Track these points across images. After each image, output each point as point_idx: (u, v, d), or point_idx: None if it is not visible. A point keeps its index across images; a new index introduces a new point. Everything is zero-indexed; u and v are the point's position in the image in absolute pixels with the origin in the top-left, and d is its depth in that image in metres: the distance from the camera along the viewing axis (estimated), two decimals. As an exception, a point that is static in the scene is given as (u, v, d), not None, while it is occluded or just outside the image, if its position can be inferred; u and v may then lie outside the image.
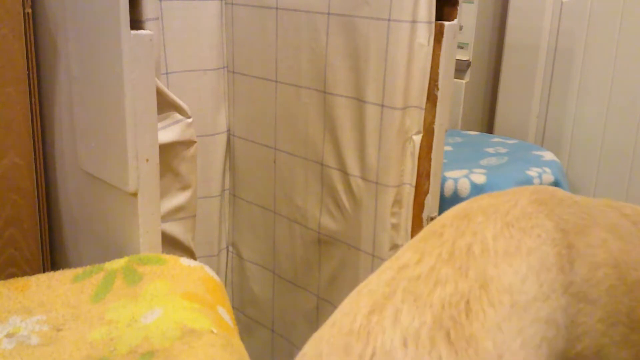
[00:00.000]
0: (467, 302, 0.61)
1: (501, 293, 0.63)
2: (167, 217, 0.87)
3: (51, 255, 1.01)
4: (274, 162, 1.32)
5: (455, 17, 1.06)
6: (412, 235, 1.14)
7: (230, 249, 1.48)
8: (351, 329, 0.59)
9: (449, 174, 1.47)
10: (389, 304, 0.60)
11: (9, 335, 0.66)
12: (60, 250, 1.00)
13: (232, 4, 1.30)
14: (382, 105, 1.09)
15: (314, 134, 1.22)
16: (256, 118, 1.33)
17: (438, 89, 1.07)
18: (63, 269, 0.78)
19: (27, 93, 0.91)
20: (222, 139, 1.38)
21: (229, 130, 1.39)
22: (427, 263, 0.65)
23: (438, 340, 0.57)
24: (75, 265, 0.78)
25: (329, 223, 1.23)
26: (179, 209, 0.89)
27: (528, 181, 1.49)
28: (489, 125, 2.06)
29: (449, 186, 1.45)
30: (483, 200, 0.77)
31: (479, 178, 1.45)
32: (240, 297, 1.50)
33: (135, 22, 0.76)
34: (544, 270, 0.68)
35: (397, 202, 1.12)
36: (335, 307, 1.27)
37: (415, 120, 1.09)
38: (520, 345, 0.60)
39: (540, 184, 1.50)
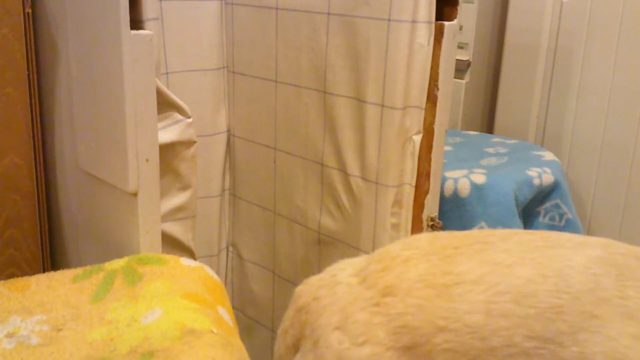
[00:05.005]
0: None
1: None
2: (167, 217, 0.87)
3: (51, 255, 1.01)
4: (274, 162, 1.32)
5: (455, 17, 1.06)
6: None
7: (230, 249, 1.48)
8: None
9: (449, 174, 1.47)
10: None
11: (9, 335, 0.66)
12: (60, 250, 1.00)
13: (232, 4, 1.30)
14: (382, 105, 1.09)
15: (314, 134, 1.22)
16: (256, 118, 1.33)
17: (438, 89, 1.07)
18: (63, 269, 0.78)
19: (27, 93, 0.91)
20: (222, 139, 1.38)
21: (229, 130, 1.39)
22: None
23: None
24: (75, 265, 0.78)
25: (329, 223, 1.23)
26: (179, 209, 0.89)
27: (528, 181, 1.49)
28: (489, 125, 2.06)
29: (449, 186, 1.45)
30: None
31: (479, 178, 1.45)
32: (240, 297, 1.50)
33: (135, 22, 0.76)
34: None
35: (397, 202, 1.12)
36: (335, 307, 1.27)
37: (415, 120, 1.09)
38: None
39: (540, 184, 1.50)
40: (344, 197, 1.19)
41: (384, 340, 0.78)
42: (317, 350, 0.83)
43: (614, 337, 0.68)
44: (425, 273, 0.79)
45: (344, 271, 0.88)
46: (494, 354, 0.72)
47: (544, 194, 1.54)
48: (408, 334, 0.77)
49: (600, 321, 0.69)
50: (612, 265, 0.73)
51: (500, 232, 0.85)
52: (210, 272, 0.78)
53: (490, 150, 1.69)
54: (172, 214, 0.89)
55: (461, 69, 1.91)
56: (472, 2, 1.88)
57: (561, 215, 1.55)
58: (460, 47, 1.87)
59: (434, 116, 1.08)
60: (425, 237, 0.89)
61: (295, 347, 0.89)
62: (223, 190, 1.42)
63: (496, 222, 1.39)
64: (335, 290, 0.86)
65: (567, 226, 1.55)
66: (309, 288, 0.91)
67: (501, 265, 0.76)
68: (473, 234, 0.86)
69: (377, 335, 0.78)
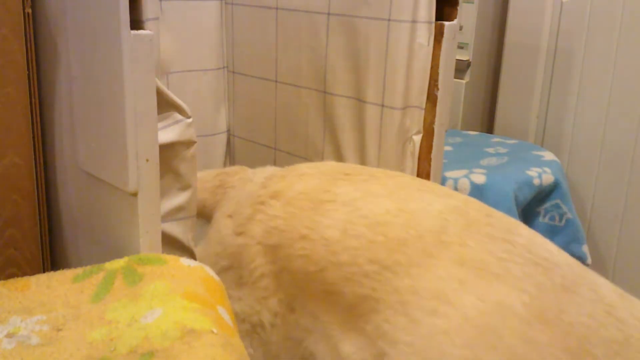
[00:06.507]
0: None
1: None
2: (167, 217, 0.87)
3: (51, 255, 1.00)
4: (274, 162, 1.32)
5: (455, 17, 1.06)
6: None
7: (230, 249, 1.47)
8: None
9: (449, 174, 1.47)
10: None
11: (9, 335, 0.66)
12: (60, 250, 1.00)
13: (232, 4, 1.30)
14: (382, 105, 1.09)
15: (314, 134, 1.22)
16: (256, 118, 1.33)
17: (438, 89, 1.07)
18: (63, 269, 0.78)
19: (27, 93, 0.91)
20: (222, 139, 1.38)
21: (229, 131, 1.39)
22: None
23: None
24: (75, 266, 0.78)
25: (329, 223, 1.23)
26: (179, 209, 0.89)
27: (528, 181, 1.49)
28: (489, 125, 2.06)
29: (448, 186, 1.45)
30: None
31: (479, 178, 1.45)
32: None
33: (135, 22, 0.76)
34: None
35: (397, 202, 1.12)
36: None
37: (415, 120, 1.09)
38: None
39: (540, 184, 1.50)
40: (344, 197, 1.19)
41: (257, 235, 0.86)
42: (211, 229, 0.94)
43: (443, 277, 0.71)
44: (310, 188, 0.86)
45: (262, 173, 0.97)
46: (340, 268, 0.78)
47: (544, 194, 1.54)
48: (277, 235, 0.84)
49: (435, 261, 0.73)
50: (463, 216, 0.77)
51: (391, 172, 0.92)
52: (210, 272, 0.78)
53: (490, 150, 1.69)
54: (172, 214, 0.89)
55: (461, 69, 1.91)
56: (472, 2, 1.88)
57: (561, 215, 1.55)
58: (460, 47, 1.87)
59: (434, 116, 1.08)
60: (332, 163, 0.99)
61: (208, 205, 1.00)
62: (223, 190, 1.41)
63: (496, 222, 1.39)
64: (246, 186, 0.95)
65: (567, 226, 1.55)
66: (237, 174, 1.01)
67: (372, 194, 0.83)
68: (370, 168, 0.93)
69: (254, 229, 0.86)
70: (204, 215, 1.02)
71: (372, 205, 0.80)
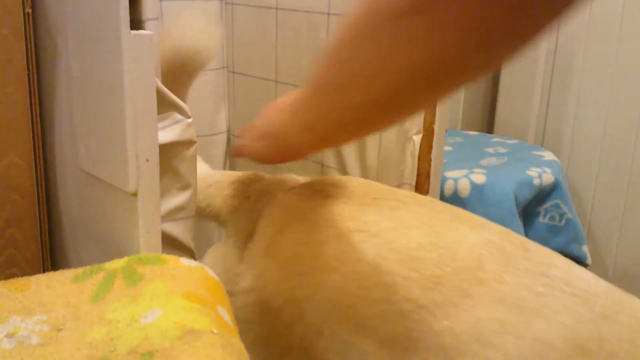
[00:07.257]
0: None
1: None
2: (167, 217, 0.87)
3: (51, 255, 1.00)
4: (274, 162, 1.32)
5: (455, 17, 1.05)
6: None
7: (230, 249, 1.47)
8: None
9: (449, 174, 1.47)
10: None
11: (9, 335, 0.66)
12: (60, 250, 1.00)
13: (232, 4, 1.30)
14: (382, 105, 1.08)
15: (314, 134, 1.22)
16: (256, 118, 1.33)
17: (438, 89, 1.07)
18: (63, 269, 0.78)
19: (27, 93, 0.91)
20: (222, 139, 1.38)
21: (228, 131, 1.39)
22: None
23: None
24: (75, 266, 0.78)
25: (329, 223, 1.23)
26: (179, 209, 0.89)
27: (528, 181, 1.49)
28: (489, 125, 2.06)
29: (449, 186, 1.45)
30: None
31: (479, 178, 1.45)
32: (240, 297, 1.49)
33: (135, 22, 0.76)
34: None
35: (397, 202, 1.12)
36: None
37: (415, 120, 1.09)
38: None
39: (540, 184, 1.50)
40: (344, 197, 1.19)
41: (280, 260, 0.82)
42: (227, 245, 0.91)
43: (482, 319, 0.68)
44: (336, 213, 0.82)
45: (281, 185, 0.93)
46: (372, 305, 0.74)
47: (544, 194, 1.54)
48: (303, 263, 0.80)
49: (472, 301, 0.70)
50: (499, 250, 0.74)
51: (420, 197, 0.87)
52: (211, 272, 0.78)
53: (490, 150, 1.69)
54: (172, 214, 0.88)
55: (461, 69, 1.91)
56: (472, 2, 1.88)
57: (561, 215, 1.55)
58: (460, 47, 1.87)
59: (434, 116, 1.08)
60: (357, 181, 0.92)
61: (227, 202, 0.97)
62: (223, 190, 1.41)
63: (496, 222, 1.39)
64: (263, 197, 0.91)
65: (567, 226, 1.55)
66: (253, 184, 0.96)
67: (403, 225, 0.78)
68: (397, 191, 0.88)
69: (276, 253, 0.83)
70: (217, 222, 1.00)
71: (404, 238, 0.76)
